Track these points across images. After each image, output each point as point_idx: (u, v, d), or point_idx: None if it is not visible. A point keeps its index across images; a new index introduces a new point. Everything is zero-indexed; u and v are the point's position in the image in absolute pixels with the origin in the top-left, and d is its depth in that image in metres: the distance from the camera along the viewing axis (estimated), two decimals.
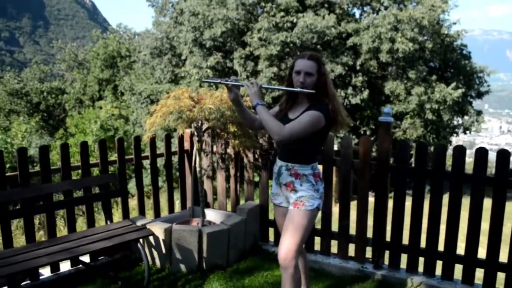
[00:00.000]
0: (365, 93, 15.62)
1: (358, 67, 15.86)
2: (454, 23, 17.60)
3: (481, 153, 3.46)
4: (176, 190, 5.18)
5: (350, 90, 15.64)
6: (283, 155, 2.86)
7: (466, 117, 18.40)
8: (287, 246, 2.72)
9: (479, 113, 18.69)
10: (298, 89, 2.70)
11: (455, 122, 19.06)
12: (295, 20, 15.13)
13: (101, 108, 24.10)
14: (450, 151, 5.08)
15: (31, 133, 19.94)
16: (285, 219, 2.82)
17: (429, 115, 15.92)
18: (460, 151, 3.53)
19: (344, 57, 15.56)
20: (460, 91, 15.50)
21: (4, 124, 25.66)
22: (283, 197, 2.92)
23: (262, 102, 2.67)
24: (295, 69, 2.73)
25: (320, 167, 3.10)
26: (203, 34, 15.62)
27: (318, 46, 15.53)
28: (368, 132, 16.80)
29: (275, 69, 14.86)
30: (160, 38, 17.92)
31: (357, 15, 18.54)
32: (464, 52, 18.82)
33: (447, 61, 17.57)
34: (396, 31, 15.02)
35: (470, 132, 19.11)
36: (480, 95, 18.77)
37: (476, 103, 19.62)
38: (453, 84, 15.71)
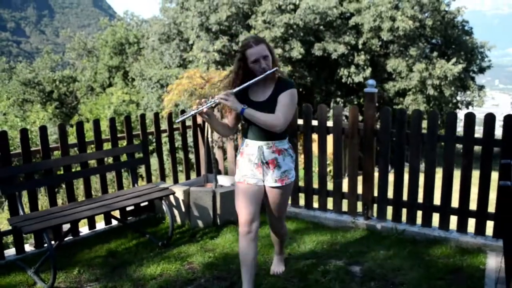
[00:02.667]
0: (368, 71, 16.12)
1: (360, 46, 16.34)
2: (454, 0, 17.95)
3: (451, 117, 4.06)
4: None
5: (353, 69, 16.16)
6: (259, 136, 2.92)
7: (468, 92, 18.83)
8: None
9: (481, 88, 19.10)
10: (264, 75, 2.82)
11: (459, 98, 19.50)
12: (297, 2, 15.61)
13: (112, 94, 24.80)
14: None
15: (45, 121, 20.68)
16: (254, 194, 2.97)
17: (431, 91, 16.40)
18: (433, 115, 4.14)
19: (347, 37, 16.05)
20: (460, 66, 15.94)
21: (18, 113, 26.48)
22: (260, 176, 2.98)
23: (245, 106, 2.80)
24: (251, 59, 2.82)
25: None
26: (209, 18, 16.16)
27: (321, 27, 16.01)
28: None
29: (279, 50, 15.40)
30: (168, 24, 18.49)
31: None
32: (466, 28, 19.18)
33: (448, 38, 17.97)
34: (397, 10, 15.44)
35: (472, 107, 19.54)
36: (482, 70, 19.17)
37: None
38: (453, 60, 16.15)
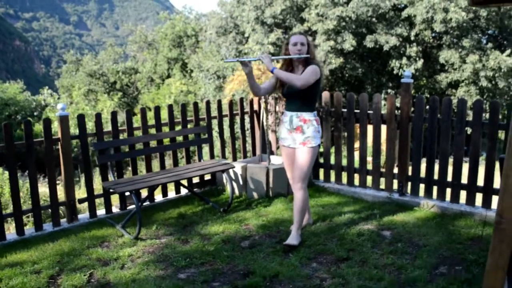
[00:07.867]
0: (420, 63, 16.28)
1: (412, 38, 16.51)
2: None
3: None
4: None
5: (404, 60, 16.37)
6: (292, 108, 3.96)
7: None
8: (298, 175, 3.96)
9: None
10: (297, 56, 3.86)
11: None
12: None
13: (171, 85, 26.15)
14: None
15: (112, 109, 22.24)
16: (289, 157, 4.08)
17: (484, 83, 16.33)
18: (462, 103, 4.67)
19: (399, 29, 16.27)
20: None
21: (84, 103, 28.41)
22: (291, 140, 4.01)
23: (275, 67, 3.83)
24: (292, 42, 3.88)
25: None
26: (264, 12, 16.87)
27: (373, 19, 16.32)
28: None
29: (331, 42, 15.87)
30: (225, 18, 19.36)
31: None
32: None
33: (504, 29, 17.74)
34: (450, 1, 15.48)
35: None
36: None
37: None
38: (508, 51, 16.01)
